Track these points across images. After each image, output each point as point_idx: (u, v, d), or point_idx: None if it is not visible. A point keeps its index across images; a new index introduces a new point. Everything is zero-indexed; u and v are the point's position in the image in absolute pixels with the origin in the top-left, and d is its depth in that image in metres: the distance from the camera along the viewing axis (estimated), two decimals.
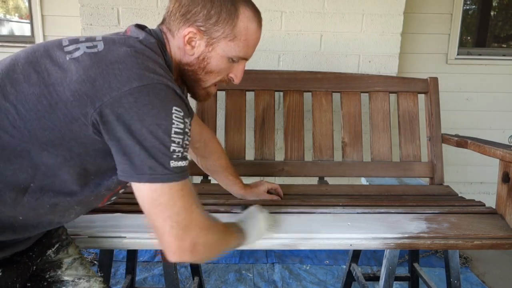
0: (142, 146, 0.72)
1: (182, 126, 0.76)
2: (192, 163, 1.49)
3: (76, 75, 0.74)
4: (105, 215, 1.15)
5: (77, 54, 0.77)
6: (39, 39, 2.76)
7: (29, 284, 0.91)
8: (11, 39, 2.86)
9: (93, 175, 0.82)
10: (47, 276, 0.95)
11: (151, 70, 0.76)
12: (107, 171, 0.83)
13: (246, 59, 0.97)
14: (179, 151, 0.75)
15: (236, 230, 0.99)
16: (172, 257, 0.79)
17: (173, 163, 0.74)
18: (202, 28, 0.89)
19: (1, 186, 0.74)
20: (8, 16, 3.04)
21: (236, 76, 0.99)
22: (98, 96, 0.72)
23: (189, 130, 0.79)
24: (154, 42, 0.86)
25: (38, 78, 0.75)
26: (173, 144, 0.74)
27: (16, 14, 3.05)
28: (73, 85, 0.73)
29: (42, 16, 2.73)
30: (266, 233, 1.08)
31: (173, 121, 0.74)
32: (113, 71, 0.74)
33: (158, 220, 0.76)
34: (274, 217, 1.14)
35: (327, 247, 1.14)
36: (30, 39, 2.80)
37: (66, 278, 0.97)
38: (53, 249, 0.97)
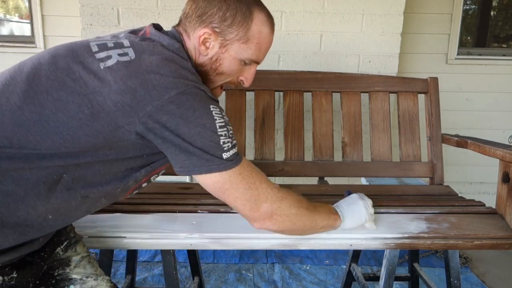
0: (195, 146, 0.80)
1: (222, 120, 0.83)
2: None
3: (115, 86, 0.77)
4: (105, 215, 1.15)
5: (110, 62, 0.79)
6: (39, 39, 2.76)
7: (38, 282, 0.92)
8: (11, 39, 2.86)
9: (124, 168, 0.85)
10: (56, 274, 0.96)
11: (184, 77, 0.81)
12: (136, 166, 0.87)
13: (257, 62, 0.99)
14: (228, 142, 0.83)
15: (327, 211, 1.04)
16: (254, 225, 0.91)
17: (225, 155, 0.83)
18: (217, 30, 0.91)
19: (36, 178, 0.76)
20: (8, 16, 3.04)
21: (247, 79, 1.01)
22: (141, 106, 0.76)
23: (228, 120, 0.86)
24: (179, 47, 0.89)
25: (75, 87, 0.77)
26: (221, 138, 0.82)
27: (16, 14, 3.05)
28: (113, 95, 0.76)
29: (42, 16, 2.73)
30: (367, 222, 1.11)
31: (215, 117, 0.82)
32: (151, 81, 0.77)
33: (230, 202, 0.87)
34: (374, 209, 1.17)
35: (327, 247, 1.14)
36: (30, 39, 2.80)
37: (74, 276, 0.97)
38: (61, 247, 0.97)
